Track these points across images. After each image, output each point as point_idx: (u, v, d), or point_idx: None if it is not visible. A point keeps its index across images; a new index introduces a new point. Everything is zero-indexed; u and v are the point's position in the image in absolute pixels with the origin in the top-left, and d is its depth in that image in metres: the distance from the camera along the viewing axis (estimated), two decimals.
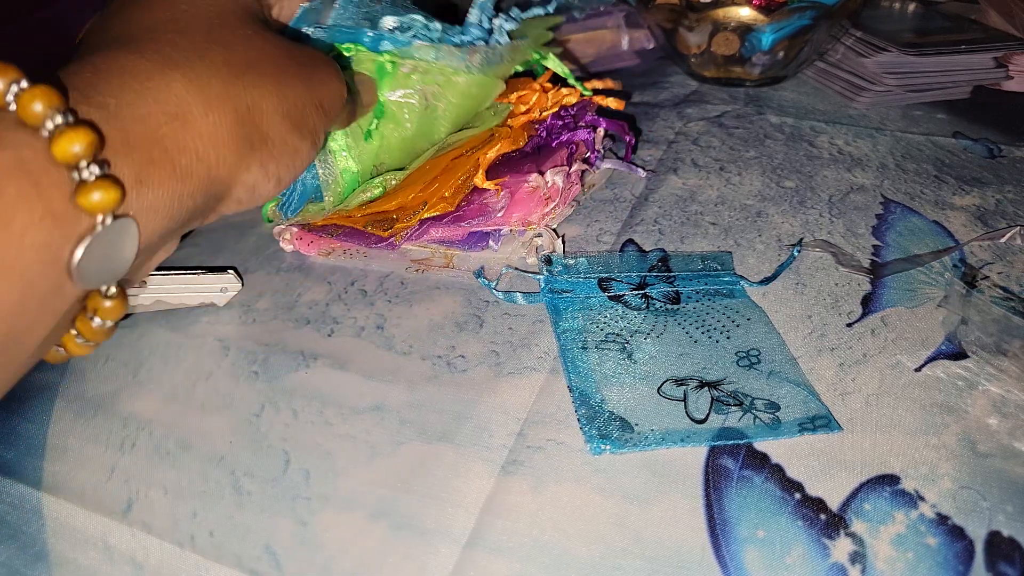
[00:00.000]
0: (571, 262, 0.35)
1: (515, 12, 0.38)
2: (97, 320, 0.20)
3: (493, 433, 0.27)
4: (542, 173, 0.36)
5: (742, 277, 0.34)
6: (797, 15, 0.48)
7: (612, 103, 0.43)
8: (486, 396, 0.28)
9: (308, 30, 0.31)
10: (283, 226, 0.37)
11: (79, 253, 0.18)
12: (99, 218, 0.18)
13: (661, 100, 0.53)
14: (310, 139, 0.26)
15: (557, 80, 0.42)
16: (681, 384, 0.28)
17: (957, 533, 0.23)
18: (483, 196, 0.36)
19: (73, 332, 0.21)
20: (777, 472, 0.25)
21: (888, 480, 0.24)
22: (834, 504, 0.24)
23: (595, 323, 0.31)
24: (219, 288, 0.33)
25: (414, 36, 0.34)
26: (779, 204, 0.40)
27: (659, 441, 0.26)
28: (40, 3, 0.62)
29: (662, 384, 0.28)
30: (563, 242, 0.36)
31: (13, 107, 0.17)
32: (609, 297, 0.33)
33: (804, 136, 0.47)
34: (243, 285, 0.35)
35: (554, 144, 0.39)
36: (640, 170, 0.43)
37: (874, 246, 0.36)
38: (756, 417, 0.26)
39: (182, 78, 0.21)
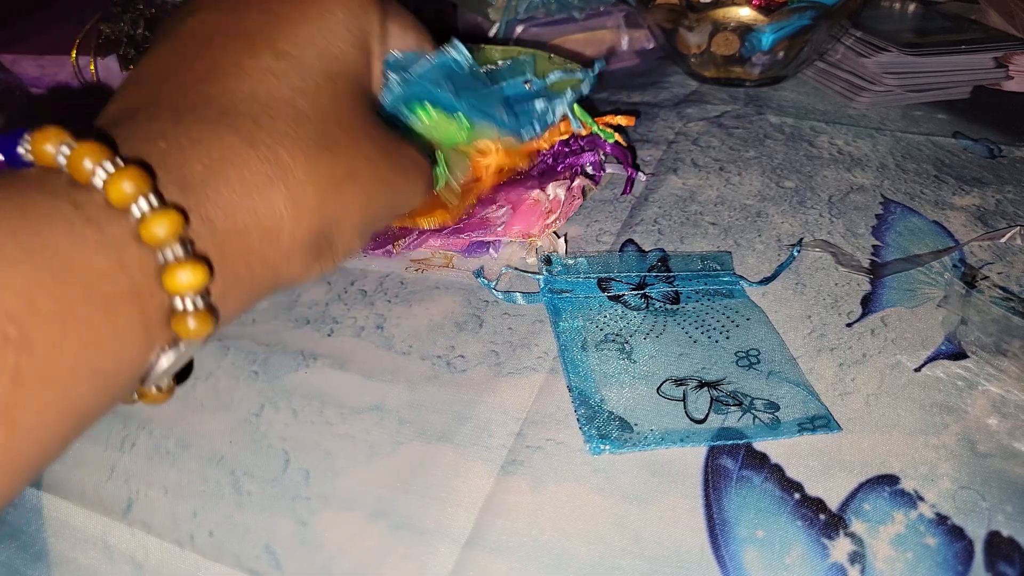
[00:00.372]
0: (571, 262, 0.35)
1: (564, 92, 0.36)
2: (139, 403, 0.21)
3: (493, 433, 0.27)
4: (543, 188, 0.36)
5: (741, 277, 0.34)
6: (797, 15, 0.48)
7: (621, 120, 0.41)
8: (486, 396, 0.28)
9: (394, 78, 0.28)
10: None
11: (162, 366, 0.18)
12: (183, 344, 0.18)
13: (661, 100, 0.53)
14: (367, 239, 0.24)
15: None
16: (680, 384, 0.28)
17: (957, 533, 0.23)
18: (484, 210, 0.36)
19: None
20: (776, 472, 0.25)
21: (887, 480, 0.24)
22: (833, 504, 0.24)
23: (594, 323, 0.31)
24: None
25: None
26: (779, 204, 0.40)
27: (658, 441, 0.26)
28: (40, 3, 0.62)
29: (661, 384, 0.28)
30: (564, 242, 0.36)
31: (99, 184, 0.17)
32: (609, 297, 0.33)
33: (804, 136, 0.47)
34: None
35: (559, 168, 0.39)
36: (640, 174, 0.42)
37: (874, 246, 0.36)
38: (755, 417, 0.26)
39: (285, 191, 0.20)
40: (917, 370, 0.29)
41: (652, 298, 0.33)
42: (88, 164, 0.16)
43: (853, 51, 0.55)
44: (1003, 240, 0.36)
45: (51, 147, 0.17)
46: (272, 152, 0.20)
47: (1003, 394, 0.27)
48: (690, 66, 0.55)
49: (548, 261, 0.35)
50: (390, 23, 0.27)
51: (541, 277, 0.34)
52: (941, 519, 0.23)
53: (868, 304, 0.32)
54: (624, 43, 0.61)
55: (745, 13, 0.49)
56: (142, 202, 0.17)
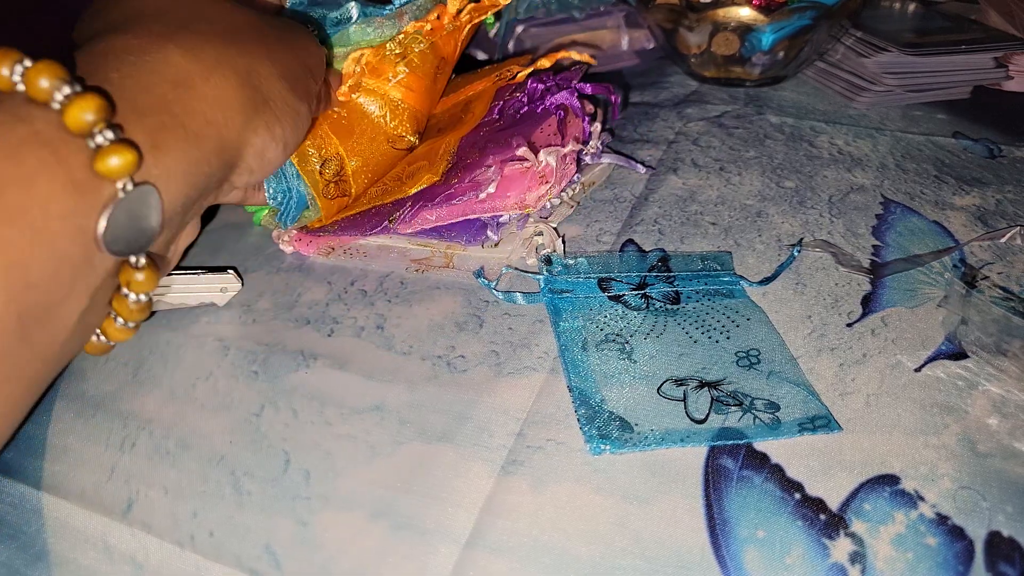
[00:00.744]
0: (571, 262, 0.35)
1: None
2: (132, 296, 0.21)
3: (493, 433, 0.27)
4: (533, 146, 0.36)
5: (742, 277, 0.34)
6: (797, 15, 0.48)
7: (584, 58, 0.42)
8: (486, 396, 0.28)
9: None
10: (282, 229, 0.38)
11: (103, 221, 0.18)
12: (120, 184, 0.18)
13: (661, 100, 0.53)
14: (306, 101, 0.26)
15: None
16: (681, 384, 0.28)
17: (957, 533, 0.23)
18: (472, 173, 0.35)
19: (112, 315, 0.21)
20: (777, 472, 0.25)
21: (888, 480, 0.24)
22: (834, 504, 0.24)
23: (595, 323, 0.31)
24: (219, 288, 0.33)
25: (350, 21, 0.35)
26: (779, 204, 0.40)
27: (659, 441, 0.26)
28: (40, 3, 0.62)
29: (662, 384, 0.28)
30: (563, 242, 0.36)
31: (21, 87, 0.18)
32: (609, 297, 0.33)
33: (804, 136, 0.47)
34: (243, 285, 0.35)
35: (539, 110, 0.39)
36: (640, 166, 0.42)
37: (874, 246, 0.36)
38: (756, 417, 0.26)
39: (177, 48, 0.22)
40: (917, 370, 0.29)
41: (652, 298, 0.33)
42: (6, 68, 0.18)
43: (853, 51, 0.55)
44: (1003, 240, 0.36)
45: None
46: (150, 32, 0.22)
47: (1003, 394, 0.27)
48: (690, 66, 0.55)
49: (548, 261, 0.34)
50: None
51: (541, 277, 0.34)
52: (941, 519, 0.23)
53: (868, 304, 0.32)
54: (624, 43, 0.61)
55: (745, 13, 0.49)
56: (26, 62, 0.18)
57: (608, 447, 0.26)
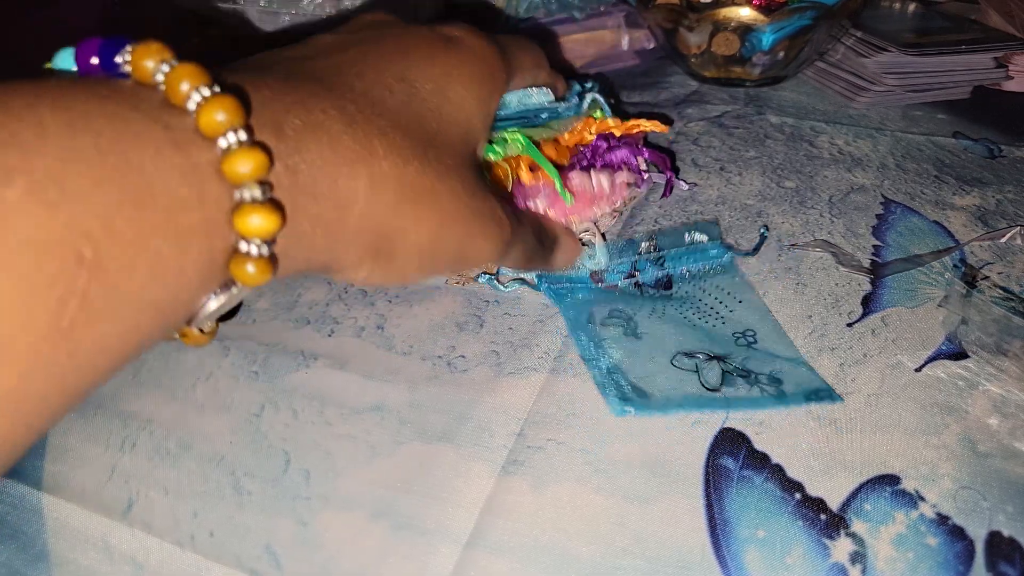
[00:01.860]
0: None
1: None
2: (177, 340, 0.20)
3: (493, 433, 0.27)
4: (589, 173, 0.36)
5: (730, 247, 0.35)
6: (797, 15, 0.48)
7: (655, 126, 0.41)
8: (486, 396, 0.28)
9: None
10: None
11: (211, 307, 0.18)
12: (236, 288, 0.18)
13: (661, 100, 0.53)
14: (425, 274, 0.24)
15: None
16: (691, 357, 0.29)
17: (957, 533, 0.23)
18: (523, 193, 0.35)
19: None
20: (777, 472, 0.25)
21: (888, 480, 0.24)
22: (834, 504, 0.24)
23: (599, 302, 0.32)
24: None
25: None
26: (779, 204, 0.40)
27: (679, 405, 0.27)
28: (41, 3, 0.62)
29: (674, 356, 0.29)
30: (604, 237, 0.36)
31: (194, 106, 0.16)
32: (603, 288, 0.33)
33: (804, 136, 0.47)
34: None
35: (599, 165, 0.39)
36: (683, 183, 0.41)
37: (874, 246, 0.36)
38: (763, 389, 0.27)
39: (368, 175, 0.20)
40: (918, 370, 0.29)
41: (644, 285, 0.33)
42: (185, 86, 0.16)
43: (853, 51, 0.55)
44: (1003, 240, 0.36)
45: (151, 62, 0.16)
46: (367, 137, 0.20)
47: (1004, 394, 0.27)
48: (690, 66, 0.55)
49: None
50: (514, 78, 0.30)
51: (536, 276, 0.34)
52: (942, 519, 0.23)
53: (869, 304, 0.32)
54: (624, 43, 0.60)
55: (745, 13, 0.49)
56: (231, 135, 0.16)
57: (632, 409, 0.26)
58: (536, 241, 0.29)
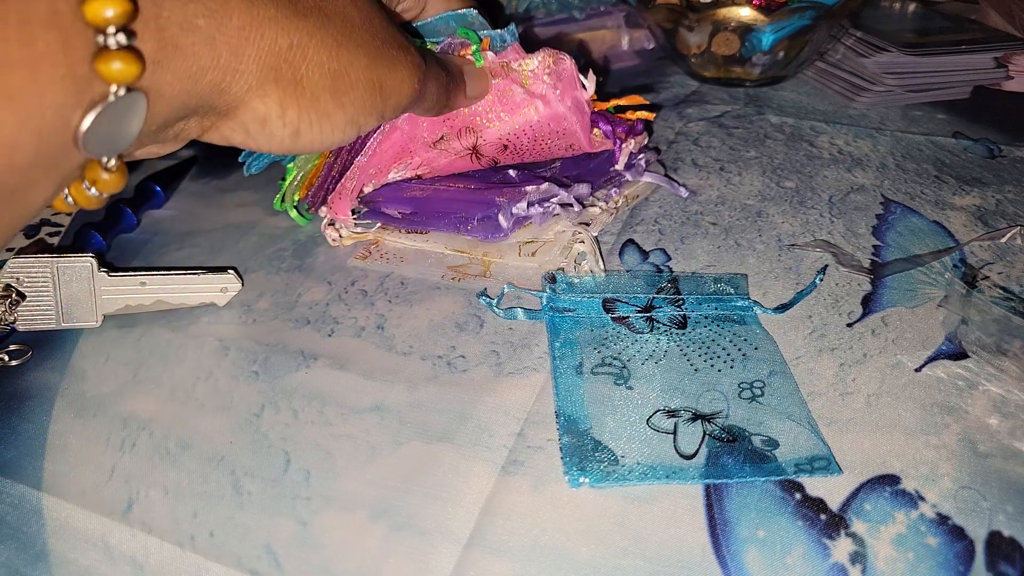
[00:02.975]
0: (576, 280, 0.33)
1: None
2: (94, 191, 0.20)
3: (493, 433, 0.27)
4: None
5: (756, 303, 0.32)
6: (797, 15, 0.48)
7: (643, 116, 0.41)
8: (486, 396, 0.28)
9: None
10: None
11: (89, 120, 0.17)
12: (113, 88, 0.18)
13: (661, 100, 0.53)
14: (349, 111, 0.24)
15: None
16: (672, 416, 0.27)
17: (957, 533, 0.23)
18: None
19: (64, 194, 0.20)
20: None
21: (888, 480, 0.24)
22: (834, 504, 0.24)
23: (593, 345, 0.30)
24: (219, 288, 0.33)
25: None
26: (779, 204, 0.40)
27: (642, 477, 0.25)
28: None
29: (652, 415, 0.27)
30: (599, 246, 0.35)
31: None
32: (612, 319, 0.32)
33: (804, 136, 0.47)
34: (243, 285, 0.35)
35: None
36: (682, 189, 0.41)
37: (874, 246, 0.36)
38: (751, 454, 0.25)
39: None
40: (918, 370, 0.29)
41: (658, 321, 0.31)
42: None
43: (853, 51, 0.55)
44: (1003, 240, 0.36)
45: None
46: None
47: (1004, 394, 0.27)
48: (690, 66, 0.55)
49: (552, 279, 0.33)
50: None
51: (544, 295, 0.33)
52: (942, 519, 0.23)
53: (869, 304, 0.32)
54: (624, 43, 0.61)
55: (745, 13, 0.49)
56: None
57: (588, 480, 0.24)
58: (446, 74, 0.30)
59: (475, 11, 0.35)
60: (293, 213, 0.39)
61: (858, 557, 0.22)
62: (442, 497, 0.25)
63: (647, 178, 0.41)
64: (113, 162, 0.20)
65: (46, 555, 0.24)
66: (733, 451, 0.25)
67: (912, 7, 0.63)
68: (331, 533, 0.24)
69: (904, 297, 0.33)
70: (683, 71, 0.57)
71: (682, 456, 0.25)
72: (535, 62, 0.36)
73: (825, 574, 0.22)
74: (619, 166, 0.40)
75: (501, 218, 0.35)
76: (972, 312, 0.32)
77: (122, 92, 0.18)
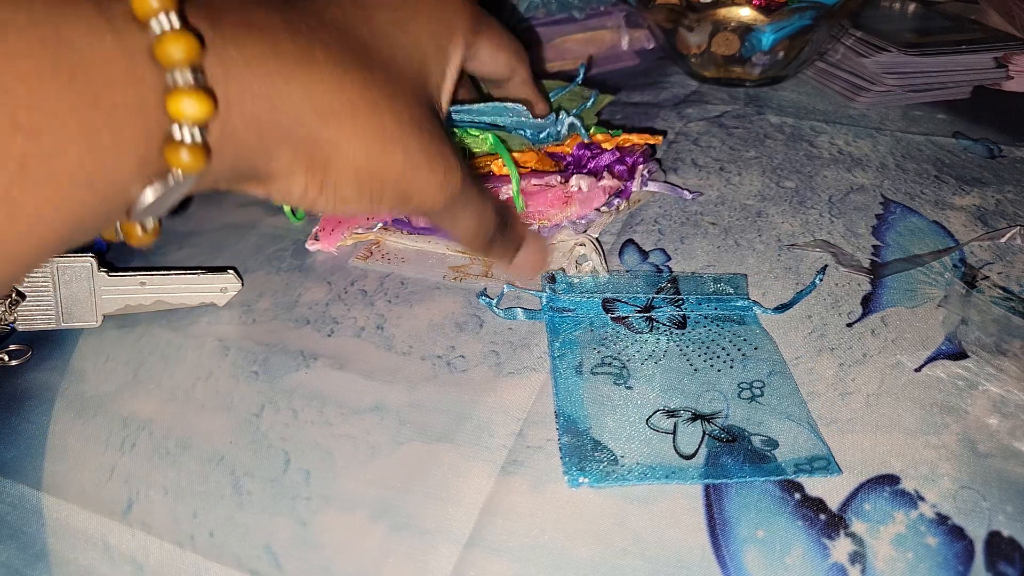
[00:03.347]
0: (576, 280, 0.33)
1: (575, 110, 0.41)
2: (122, 238, 0.21)
3: (493, 433, 0.27)
4: (566, 181, 0.37)
5: (756, 303, 0.32)
6: (797, 15, 0.48)
7: (646, 139, 0.41)
8: (486, 396, 0.28)
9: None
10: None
11: (148, 198, 0.18)
12: (176, 172, 0.18)
13: (661, 100, 0.53)
14: (365, 205, 0.24)
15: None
16: (672, 416, 0.27)
17: (957, 533, 0.23)
18: (495, 183, 0.36)
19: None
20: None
21: (888, 480, 0.24)
22: (834, 504, 0.24)
23: (592, 345, 0.30)
24: (219, 288, 0.33)
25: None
26: (779, 204, 0.40)
27: (641, 477, 0.25)
28: None
29: (652, 415, 0.27)
30: (601, 248, 0.35)
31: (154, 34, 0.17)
32: (612, 319, 0.32)
33: (804, 136, 0.47)
34: (243, 285, 0.35)
35: (584, 171, 0.38)
36: (686, 193, 0.40)
37: (874, 246, 0.36)
38: (750, 454, 0.25)
39: (302, 79, 0.20)
40: (917, 370, 0.29)
41: (657, 321, 0.31)
42: None
43: (853, 51, 0.55)
44: (1003, 240, 0.36)
45: None
46: (308, 44, 0.21)
47: (1003, 394, 0.27)
48: (690, 66, 0.55)
49: (552, 279, 0.33)
50: (481, 39, 0.29)
51: (544, 295, 0.33)
52: (942, 519, 0.23)
53: (868, 304, 0.32)
54: (624, 43, 0.61)
55: (745, 13, 0.49)
56: (163, 18, 0.17)
57: (587, 480, 0.24)
58: (498, 220, 0.29)
59: (522, 107, 0.36)
60: (287, 210, 0.39)
61: (858, 557, 0.22)
62: (442, 497, 0.25)
63: (652, 187, 0.41)
64: (151, 224, 0.20)
65: (46, 555, 0.24)
66: (733, 451, 0.25)
67: (912, 7, 0.63)
68: (331, 533, 0.24)
69: (904, 297, 0.33)
70: (683, 71, 0.57)
71: (682, 456, 0.25)
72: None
73: (825, 574, 0.22)
74: (634, 187, 0.40)
75: None
76: (972, 312, 0.32)
77: (181, 179, 0.18)
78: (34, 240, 0.16)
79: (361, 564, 0.23)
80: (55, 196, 0.16)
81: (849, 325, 0.31)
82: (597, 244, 0.35)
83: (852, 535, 0.23)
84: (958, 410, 0.27)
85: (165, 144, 0.18)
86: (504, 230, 0.29)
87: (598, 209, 0.38)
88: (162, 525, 0.24)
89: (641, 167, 0.40)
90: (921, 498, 0.24)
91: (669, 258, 0.36)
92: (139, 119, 0.17)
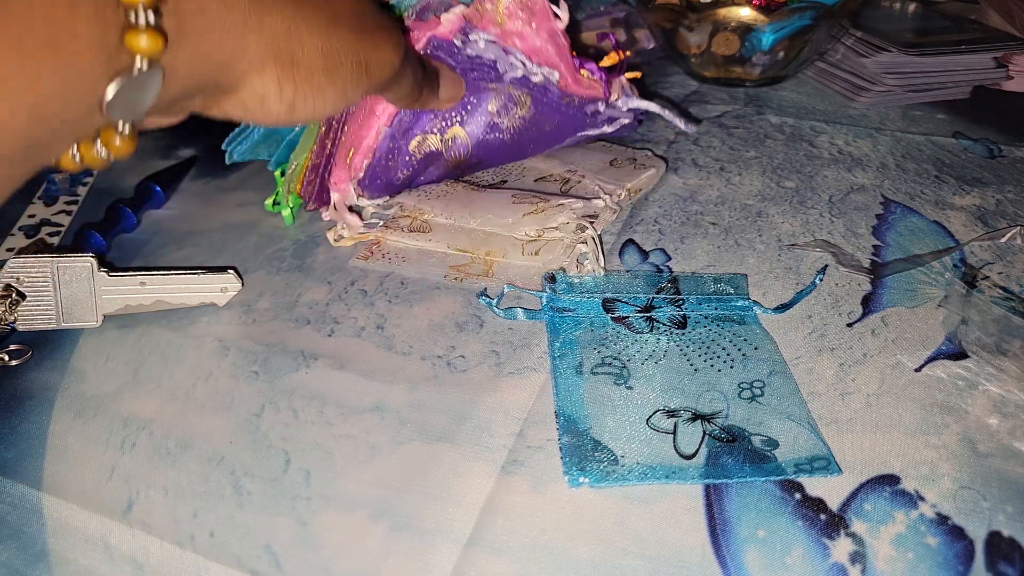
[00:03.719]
0: (576, 280, 0.33)
1: None
2: (103, 152, 0.21)
3: (493, 433, 0.27)
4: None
5: (756, 303, 0.32)
6: (797, 15, 0.48)
7: (630, 76, 0.42)
8: (486, 396, 0.28)
9: None
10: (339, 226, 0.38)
11: (114, 87, 0.19)
12: (138, 61, 0.19)
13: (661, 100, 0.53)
14: (340, 87, 0.26)
15: None
16: (672, 416, 0.27)
17: (957, 533, 0.23)
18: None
19: (73, 152, 0.22)
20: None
21: (888, 480, 0.24)
22: (834, 504, 0.24)
23: (593, 345, 0.30)
24: (219, 288, 0.33)
25: None
26: (779, 204, 0.40)
27: (642, 477, 0.25)
28: None
29: (652, 415, 0.27)
30: (601, 244, 0.35)
31: None
32: (612, 319, 0.32)
33: (804, 136, 0.47)
34: (243, 285, 0.35)
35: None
36: (680, 122, 0.41)
37: (874, 246, 0.36)
38: (750, 454, 0.25)
39: None
40: (918, 370, 0.29)
41: (657, 321, 0.31)
42: None
43: (853, 51, 0.55)
44: (1003, 240, 0.36)
45: None
46: None
47: (1003, 394, 0.27)
48: (690, 66, 0.55)
49: (552, 279, 0.33)
50: None
51: (544, 295, 0.33)
52: (942, 519, 0.23)
53: (869, 304, 0.32)
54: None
55: (745, 13, 0.49)
56: None
57: (587, 480, 0.24)
58: (422, 69, 0.32)
59: None
60: (286, 212, 0.39)
61: (858, 557, 0.22)
62: (442, 497, 0.25)
63: (650, 107, 0.41)
64: (127, 129, 0.21)
65: (46, 555, 0.24)
66: (733, 451, 0.25)
67: (912, 7, 0.63)
68: (331, 533, 0.24)
69: (904, 297, 0.33)
70: (683, 71, 0.57)
71: (682, 456, 0.25)
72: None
73: (825, 574, 0.22)
74: (613, 97, 0.40)
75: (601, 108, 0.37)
76: (972, 312, 0.32)
77: (145, 66, 0.19)
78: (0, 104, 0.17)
79: (361, 564, 0.23)
80: (15, 64, 0.17)
81: (849, 325, 0.31)
82: (599, 241, 0.35)
83: (852, 535, 0.23)
84: (958, 410, 0.27)
85: (124, 31, 0.19)
86: (426, 76, 0.33)
87: (603, 198, 0.38)
88: (162, 525, 0.24)
89: (620, 79, 0.40)
90: (921, 498, 0.24)
91: (669, 258, 0.36)
92: (94, 1, 0.18)
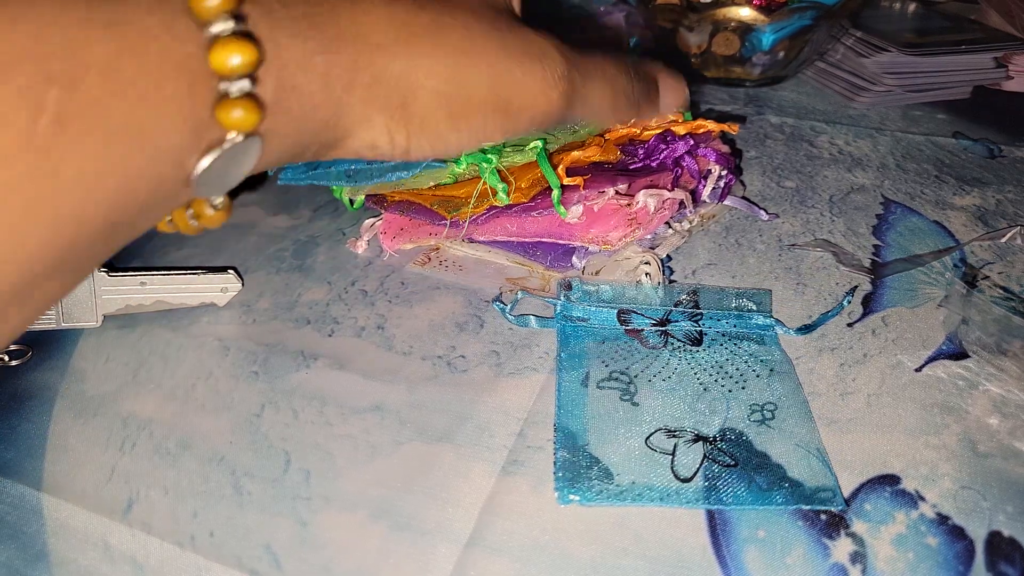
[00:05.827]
0: (592, 288, 0.33)
1: None
2: (196, 224, 0.20)
3: (493, 433, 0.27)
4: (629, 192, 0.34)
5: (778, 321, 0.31)
6: (797, 15, 0.48)
7: (721, 127, 0.37)
8: (486, 396, 0.28)
9: None
10: (370, 222, 0.37)
11: (204, 164, 0.17)
12: (231, 135, 0.17)
13: None
14: (465, 134, 0.23)
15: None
16: (673, 435, 0.26)
17: (957, 533, 0.23)
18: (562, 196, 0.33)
19: (167, 217, 0.20)
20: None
21: (888, 480, 0.24)
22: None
23: (601, 358, 0.29)
24: (219, 288, 0.33)
25: None
26: (779, 204, 0.40)
27: (636, 497, 0.24)
28: None
29: (653, 433, 0.26)
30: (663, 271, 0.34)
31: None
32: (626, 331, 0.31)
33: (804, 136, 0.47)
34: (243, 285, 0.35)
35: (655, 164, 0.35)
36: (763, 212, 0.38)
37: (875, 246, 0.36)
38: (751, 480, 0.24)
39: (350, 16, 0.19)
40: (918, 370, 0.29)
41: (672, 336, 0.30)
42: None
43: (853, 51, 0.55)
44: (1003, 240, 0.36)
45: None
46: None
47: (1004, 394, 0.27)
48: (690, 66, 0.55)
49: (568, 287, 0.33)
50: None
51: (558, 303, 0.32)
52: (942, 519, 0.23)
53: (869, 304, 0.32)
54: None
55: (745, 13, 0.49)
56: None
57: (577, 498, 0.24)
58: (628, 77, 0.27)
59: None
60: (344, 199, 0.37)
61: (858, 557, 0.22)
62: (442, 497, 0.25)
63: (727, 201, 0.39)
64: (220, 200, 0.19)
65: (46, 555, 0.24)
66: (733, 476, 0.25)
67: (912, 7, 0.63)
68: (331, 533, 0.24)
69: (904, 297, 0.33)
70: (683, 71, 0.57)
71: (678, 479, 0.25)
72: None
73: (825, 574, 0.22)
74: (705, 195, 0.37)
75: (576, 260, 0.34)
76: (972, 312, 0.32)
77: (239, 139, 0.18)
78: (80, 196, 0.15)
79: (361, 564, 0.23)
80: (97, 151, 0.15)
81: (850, 325, 0.31)
82: (661, 265, 0.34)
83: (853, 535, 0.23)
84: (958, 410, 0.27)
85: (216, 104, 0.17)
86: (639, 82, 0.27)
87: (668, 224, 0.36)
88: (162, 525, 0.24)
89: (716, 171, 0.37)
90: (922, 498, 0.24)
91: (670, 258, 0.36)
92: (182, 73, 0.16)
